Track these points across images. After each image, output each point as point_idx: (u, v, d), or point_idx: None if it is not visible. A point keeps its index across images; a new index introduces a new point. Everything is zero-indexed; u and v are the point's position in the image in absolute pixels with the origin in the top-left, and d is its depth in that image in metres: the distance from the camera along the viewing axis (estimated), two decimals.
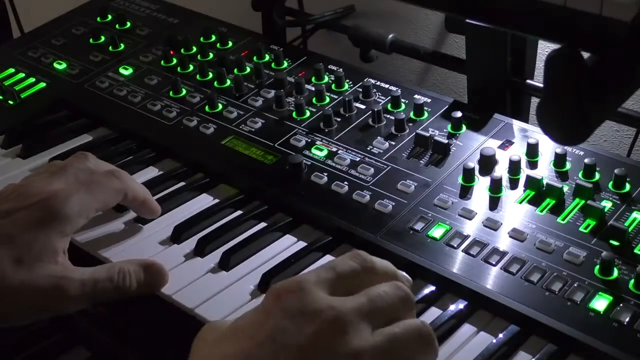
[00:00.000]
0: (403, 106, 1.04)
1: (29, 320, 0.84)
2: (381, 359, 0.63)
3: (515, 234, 0.85)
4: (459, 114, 0.99)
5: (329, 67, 1.13)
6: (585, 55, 0.66)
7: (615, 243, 0.82)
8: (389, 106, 1.05)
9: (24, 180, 0.87)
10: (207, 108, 1.08)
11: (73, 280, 0.79)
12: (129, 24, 1.28)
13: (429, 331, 0.66)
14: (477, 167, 0.93)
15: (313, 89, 1.09)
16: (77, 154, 0.89)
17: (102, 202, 0.86)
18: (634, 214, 0.85)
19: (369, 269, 0.70)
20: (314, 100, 1.07)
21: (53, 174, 0.85)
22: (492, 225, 0.86)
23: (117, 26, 1.28)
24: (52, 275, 0.78)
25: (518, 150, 0.95)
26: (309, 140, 1.01)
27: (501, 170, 0.93)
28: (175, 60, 1.18)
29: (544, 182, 0.89)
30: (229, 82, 1.13)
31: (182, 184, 0.99)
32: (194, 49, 1.20)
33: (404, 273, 0.75)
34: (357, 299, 0.66)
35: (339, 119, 1.04)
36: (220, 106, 1.08)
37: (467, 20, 1.00)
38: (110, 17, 1.30)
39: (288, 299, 0.65)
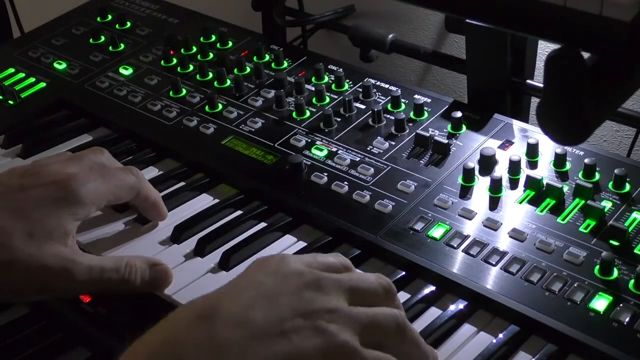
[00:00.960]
0: (403, 106, 1.04)
1: (34, 299, 0.84)
2: (353, 329, 0.63)
3: (515, 234, 0.84)
4: (459, 114, 0.99)
5: (329, 67, 1.13)
6: (585, 55, 0.66)
7: (615, 243, 0.82)
8: (389, 106, 1.04)
9: (38, 162, 0.87)
10: (207, 108, 1.08)
11: (81, 264, 0.79)
12: (129, 24, 1.28)
13: (405, 323, 0.67)
14: (477, 167, 0.93)
15: (313, 89, 1.09)
16: (93, 148, 0.90)
17: (115, 195, 0.86)
18: (634, 214, 0.85)
19: (348, 267, 0.71)
20: (314, 100, 1.07)
21: (68, 160, 0.86)
22: (492, 225, 0.86)
23: (117, 26, 1.28)
24: (60, 256, 0.78)
25: (518, 150, 0.95)
26: (309, 140, 1.01)
27: (501, 170, 0.93)
28: (175, 60, 1.18)
29: (544, 182, 0.89)
30: (229, 82, 1.13)
31: (182, 184, 0.99)
32: (194, 49, 1.20)
33: None
34: (340, 275, 0.67)
35: (339, 119, 1.04)
36: (220, 106, 1.08)
37: (467, 20, 1.00)
38: (110, 17, 1.30)
39: (271, 264, 0.66)
